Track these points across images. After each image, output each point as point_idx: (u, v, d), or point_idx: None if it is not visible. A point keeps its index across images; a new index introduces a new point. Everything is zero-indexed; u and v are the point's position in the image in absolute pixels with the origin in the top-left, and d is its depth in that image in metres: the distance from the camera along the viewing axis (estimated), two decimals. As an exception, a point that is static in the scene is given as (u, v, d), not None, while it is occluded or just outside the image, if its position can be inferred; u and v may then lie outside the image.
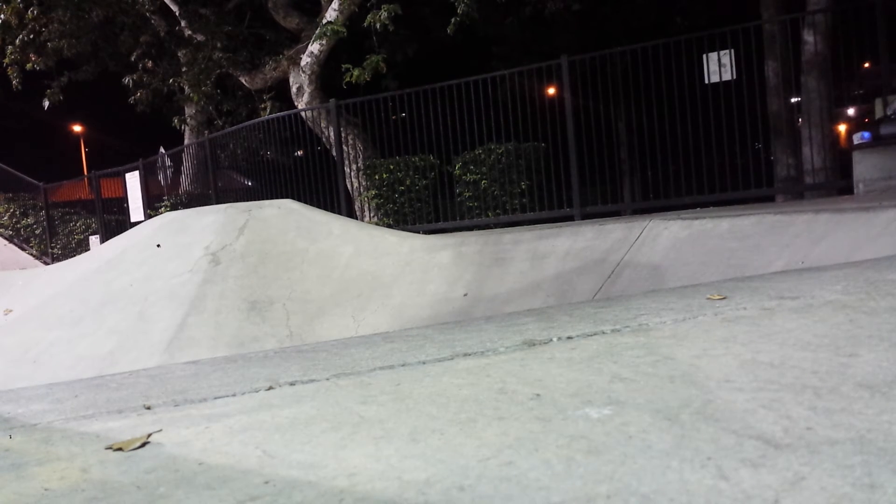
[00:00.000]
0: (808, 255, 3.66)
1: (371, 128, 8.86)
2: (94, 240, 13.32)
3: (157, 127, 15.54)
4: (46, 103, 12.23)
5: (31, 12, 11.34)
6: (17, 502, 0.88)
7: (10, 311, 7.31)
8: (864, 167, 5.38)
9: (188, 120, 13.10)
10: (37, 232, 15.11)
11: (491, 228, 7.58)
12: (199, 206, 9.18)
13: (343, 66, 8.96)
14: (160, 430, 1.14)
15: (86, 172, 22.42)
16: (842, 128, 8.74)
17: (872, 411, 0.87)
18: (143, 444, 1.06)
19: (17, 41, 11.57)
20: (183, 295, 5.94)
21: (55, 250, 14.44)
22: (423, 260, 6.42)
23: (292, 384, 1.39)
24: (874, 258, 2.49)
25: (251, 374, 1.56)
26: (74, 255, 11.73)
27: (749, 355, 1.20)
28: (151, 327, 5.69)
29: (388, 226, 8.24)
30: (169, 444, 1.06)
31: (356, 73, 8.77)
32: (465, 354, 1.48)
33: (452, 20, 8.63)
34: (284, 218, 6.85)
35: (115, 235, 10.23)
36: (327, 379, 1.39)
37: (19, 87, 12.18)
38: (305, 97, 10.44)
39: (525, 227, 7.07)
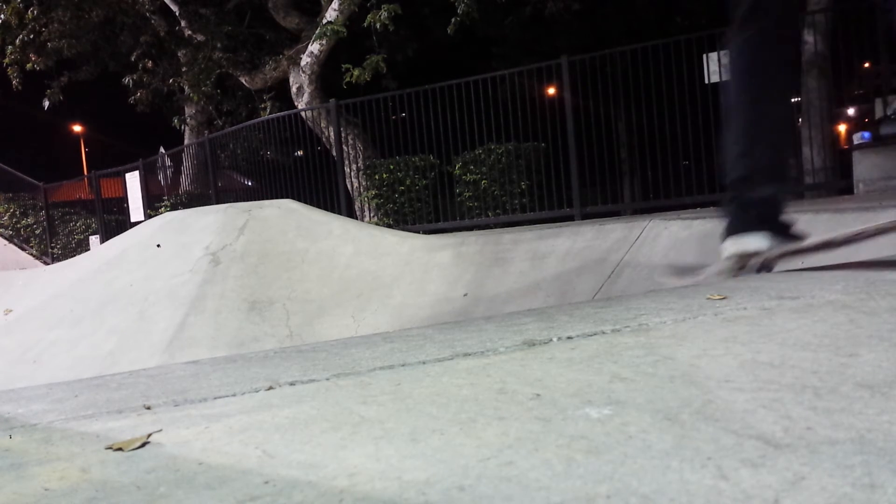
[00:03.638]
0: (808, 255, 3.65)
1: (371, 128, 8.86)
2: (94, 240, 13.32)
3: (157, 127, 15.54)
4: (46, 103, 12.23)
5: (31, 12, 11.34)
6: (17, 502, 0.88)
7: (10, 311, 7.31)
8: (864, 167, 5.38)
9: (188, 120, 13.10)
10: (37, 232, 15.11)
11: (491, 228, 7.58)
12: (199, 206, 9.18)
13: (343, 66, 8.96)
14: (160, 430, 1.14)
15: (86, 172, 22.42)
16: (842, 128, 8.74)
17: (872, 411, 0.87)
18: (143, 444, 1.06)
19: (17, 41, 11.57)
20: (183, 295, 5.94)
21: (55, 250, 14.44)
22: (423, 260, 6.42)
23: (292, 384, 1.39)
24: (874, 258, 2.49)
25: (251, 374, 1.56)
26: (74, 255, 11.73)
27: (749, 355, 1.20)
28: (151, 327, 5.69)
29: (388, 226, 8.24)
30: (169, 444, 1.06)
31: (356, 73, 8.78)
32: (465, 354, 1.48)
33: (452, 20, 8.63)
34: (284, 218, 6.86)
35: (115, 235, 10.22)
36: (327, 379, 1.39)
37: (19, 87, 12.18)
38: (305, 97, 10.44)
39: (525, 227, 7.07)
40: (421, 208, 8.34)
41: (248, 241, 6.45)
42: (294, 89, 10.68)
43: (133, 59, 12.44)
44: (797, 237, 2.22)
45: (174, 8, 11.69)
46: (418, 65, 12.64)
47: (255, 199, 8.13)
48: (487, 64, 12.42)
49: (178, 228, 7.06)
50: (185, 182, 12.85)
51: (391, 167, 8.45)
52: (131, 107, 12.68)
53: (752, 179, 2.20)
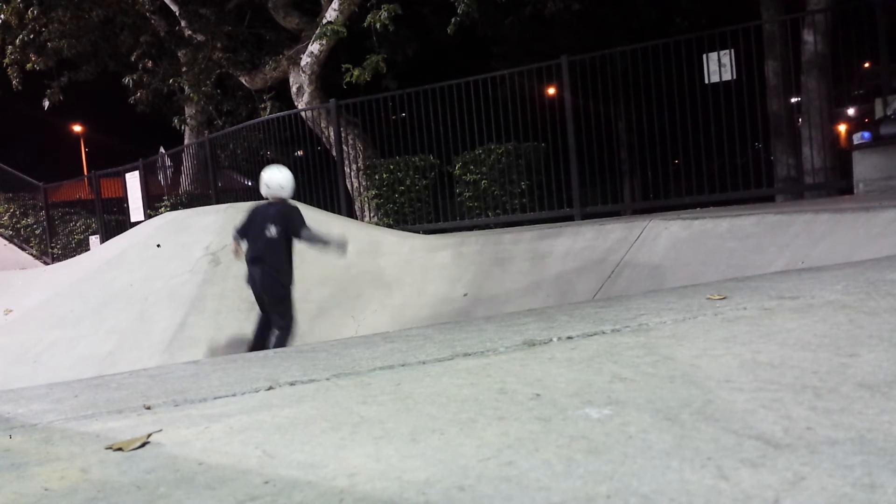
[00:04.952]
0: (808, 255, 3.66)
1: (371, 128, 8.85)
2: (94, 240, 13.32)
3: (157, 127, 15.52)
4: (46, 103, 12.22)
5: (31, 12, 11.33)
6: (17, 502, 0.88)
7: (11, 311, 7.31)
8: (864, 167, 5.38)
9: (188, 120, 13.09)
10: (37, 232, 15.10)
11: (491, 228, 7.58)
12: (199, 206, 9.17)
13: (343, 66, 8.95)
14: (160, 430, 1.14)
15: (86, 172, 22.40)
16: (842, 128, 8.73)
17: (872, 411, 0.87)
18: (143, 444, 1.06)
19: (17, 41, 11.57)
20: (183, 295, 5.94)
21: (55, 250, 14.44)
22: (423, 260, 6.42)
23: (292, 384, 1.39)
24: (874, 258, 2.49)
25: (251, 374, 1.56)
26: (74, 255, 11.72)
27: (749, 355, 1.20)
28: (151, 327, 5.69)
29: (388, 226, 8.24)
30: (169, 444, 1.06)
31: (356, 73, 8.77)
32: (466, 354, 1.48)
33: (452, 20, 8.62)
34: (284, 218, 6.84)
35: (115, 235, 10.22)
36: (327, 379, 1.39)
37: (19, 87, 12.18)
38: (305, 97, 10.43)
39: (525, 227, 7.07)
40: (421, 208, 8.34)
41: (248, 241, 6.44)
42: (294, 89, 10.67)
43: (133, 59, 12.43)
44: None
45: (174, 8, 11.68)
46: (418, 65, 12.63)
47: (255, 200, 8.12)
48: (487, 64, 12.41)
49: (178, 228, 7.06)
50: (185, 182, 12.83)
51: (391, 167, 8.44)
52: (131, 107, 12.67)
53: None
